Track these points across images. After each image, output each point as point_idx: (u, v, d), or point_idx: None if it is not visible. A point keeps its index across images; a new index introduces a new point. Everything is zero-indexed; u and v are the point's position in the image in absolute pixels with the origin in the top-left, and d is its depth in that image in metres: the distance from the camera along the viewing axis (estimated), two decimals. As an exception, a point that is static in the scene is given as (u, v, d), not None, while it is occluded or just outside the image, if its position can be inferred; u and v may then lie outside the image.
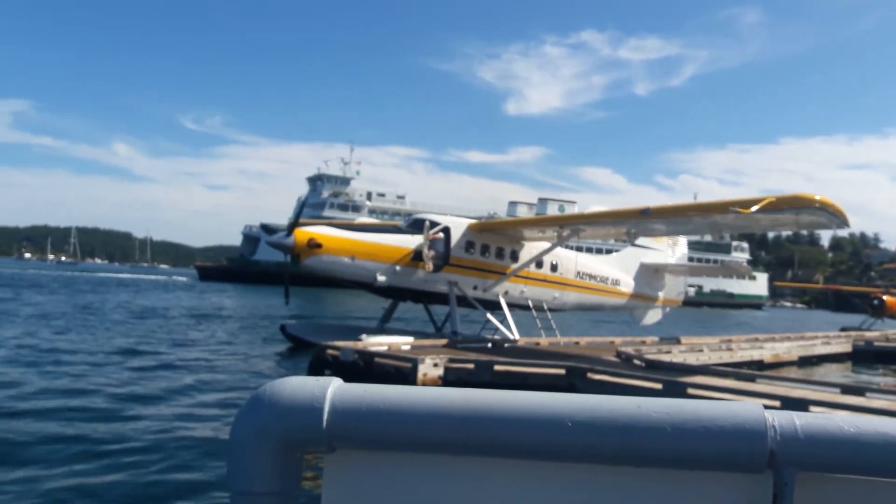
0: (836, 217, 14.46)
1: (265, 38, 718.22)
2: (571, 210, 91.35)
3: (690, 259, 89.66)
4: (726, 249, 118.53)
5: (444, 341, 17.22)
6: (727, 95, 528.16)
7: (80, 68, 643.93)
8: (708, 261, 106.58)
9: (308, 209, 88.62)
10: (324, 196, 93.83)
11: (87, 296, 45.63)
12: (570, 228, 19.18)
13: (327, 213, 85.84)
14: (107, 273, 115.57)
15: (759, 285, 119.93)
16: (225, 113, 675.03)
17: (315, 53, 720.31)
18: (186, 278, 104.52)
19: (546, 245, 20.63)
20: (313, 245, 18.02)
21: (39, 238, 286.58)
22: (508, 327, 19.64)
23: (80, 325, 25.48)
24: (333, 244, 18.32)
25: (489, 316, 20.03)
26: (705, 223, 17.61)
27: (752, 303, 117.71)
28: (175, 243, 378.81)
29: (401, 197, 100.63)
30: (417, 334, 19.96)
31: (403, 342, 16.15)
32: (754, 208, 14.39)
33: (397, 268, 18.87)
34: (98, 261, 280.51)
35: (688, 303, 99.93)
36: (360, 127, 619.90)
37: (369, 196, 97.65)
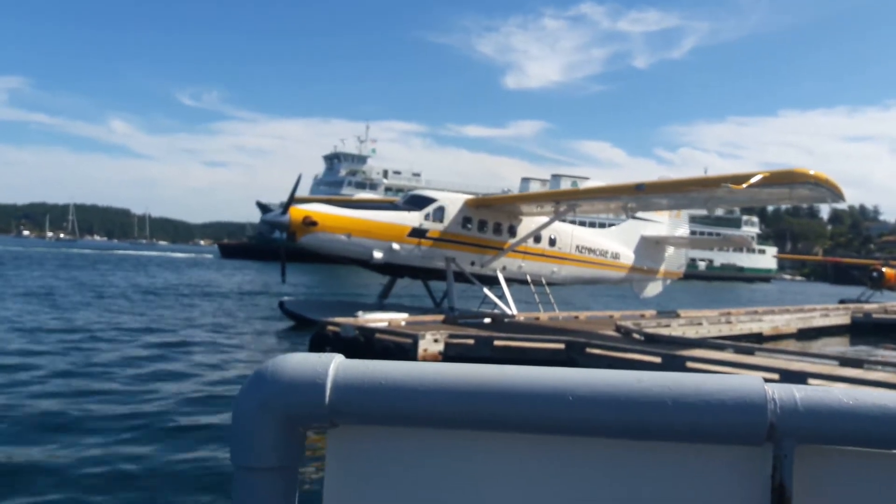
0: (830, 191, 14.45)
1: (261, 13, 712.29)
2: (584, 186, 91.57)
3: (700, 233, 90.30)
4: (736, 223, 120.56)
5: (440, 317, 17.28)
6: (727, 68, 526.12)
7: (74, 43, 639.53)
8: (719, 235, 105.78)
9: (325, 187, 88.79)
10: (341, 174, 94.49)
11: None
12: (567, 204, 19.19)
13: (345, 191, 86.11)
14: (126, 251, 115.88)
15: (767, 259, 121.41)
16: (222, 89, 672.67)
17: (311, 28, 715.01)
18: (211, 255, 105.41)
19: (544, 220, 20.65)
20: (309, 223, 18.05)
21: (38, 215, 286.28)
22: (506, 302, 19.72)
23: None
24: (329, 221, 18.34)
25: (486, 291, 20.09)
26: (700, 198, 17.60)
27: (761, 276, 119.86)
28: (173, 220, 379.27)
29: (416, 174, 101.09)
30: (415, 310, 20.05)
31: (398, 318, 16.21)
32: (746, 184, 14.38)
33: (394, 244, 18.91)
34: (97, 238, 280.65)
35: (698, 276, 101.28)
36: (358, 102, 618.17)
37: (385, 174, 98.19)
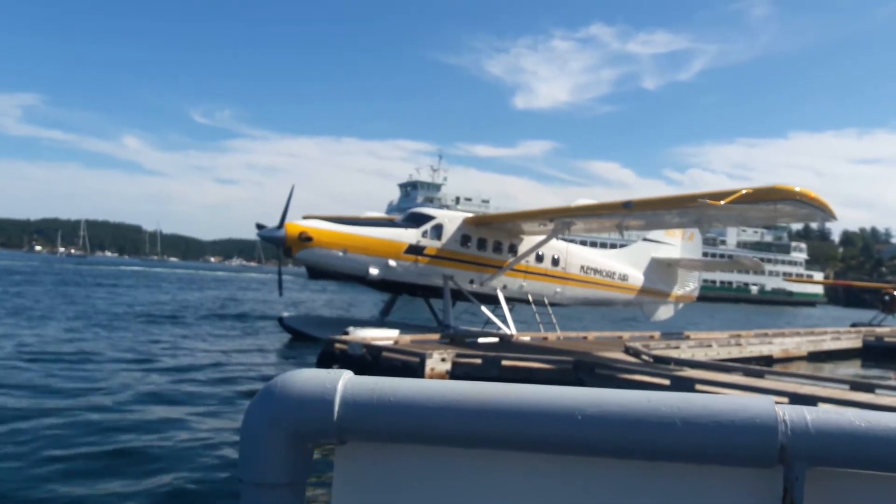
0: (818, 209, 14.10)
1: (273, 31, 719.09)
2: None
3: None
4: (785, 249, 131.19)
5: (436, 336, 17.15)
6: (736, 89, 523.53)
7: (88, 61, 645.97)
8: (769, 261, 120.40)
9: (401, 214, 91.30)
10: (418, 202, 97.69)
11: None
12: (560, 221, 18.86)
13: None
14: (174, 269, 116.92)
15: (815, 284, 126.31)
16: (234, 107, 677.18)
17: (323, 46, 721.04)
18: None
19: (540, 239, 20.50)
20: (304, 238, 18.15)
21: (50, 231, 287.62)
22: (505, 322, 19.56)
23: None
24: (324, 237, 18.41)
25: (484, 309, 19.93)
26: (690, 217, 17.39)
27: (808, 301, 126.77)
28: (185, 236, 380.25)
29: (485, 201, 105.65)
30: (411, 328, 20.05)
31: (388, 336, 16.21)
32: (724, 201, 14.16)
33: (390, 261, 18.91)
34: (108, 254, 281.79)
35: (748, 300, 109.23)
36: (369, 120, 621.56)
37: (458, 201, 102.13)
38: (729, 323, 42.82)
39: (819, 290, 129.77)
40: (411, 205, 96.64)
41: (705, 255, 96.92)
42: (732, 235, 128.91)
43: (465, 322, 21.88)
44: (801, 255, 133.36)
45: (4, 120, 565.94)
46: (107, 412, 10.85)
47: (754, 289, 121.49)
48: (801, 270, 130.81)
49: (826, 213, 14.35)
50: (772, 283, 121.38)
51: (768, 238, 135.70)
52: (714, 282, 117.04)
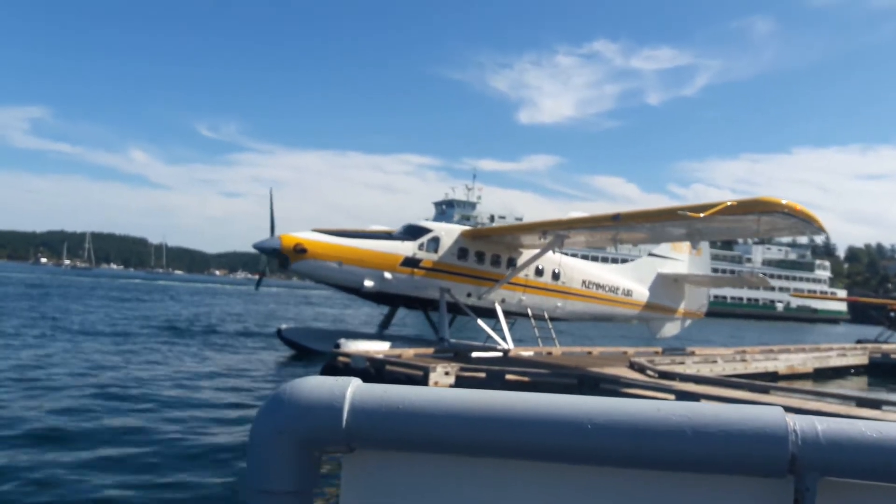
0: (806, 222, 13.92)
1: (280, 46, 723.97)
2: None
3: (775, 276, 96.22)
4: (809, 267, 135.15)
5: (429, 350, 17.09)
6: (740, 105, 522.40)
7: (96, 75, 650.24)
8: (793, 278, 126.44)
9: None
10: (455, 220, 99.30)
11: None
12: (554, 234, 18.70)
13: None
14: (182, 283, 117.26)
15: (839, 302, 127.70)
16: (240, 121, 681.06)
17: (328, 62, 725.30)
18: None
19: (536, 252, 20.22)
20: (299, 250, 18.29)
21: (56, 243, 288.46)
22: (503, 335, 19.41)
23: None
24: (319, 249, 18.50)
25: (480, 323, 19.78)
26: (681, 229, 17.26)
27: (832, 318, 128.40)
28: (190, 249, 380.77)
29: (518, 219, 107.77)
30: (402, 341, 19.99)
31: (378, 349, 16.15)
32: (705, 213, 14.05)
33: (385, 273, 18.92)
34: (113, 266, 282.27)
35: (773, 317, 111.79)
36: (374, 134, 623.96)
37: (492, 218, 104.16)
38: (752, 341, 42.61)
39: (843, 307, 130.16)
40: (449, 222, 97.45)
41: (731, 272, 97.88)
42: (758, 253, 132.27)
43: (467, 337, 21.76)
44: (825, 273, 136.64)
45: (12, 133, 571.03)
46: (112, 419, 10.84)
47: (780, 306, 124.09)
48: (826, 288, 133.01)
49: (814, 226, 14.19)
50: (796, 301, 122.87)
51: (792, 256, 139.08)
52: (741, 299, 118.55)
